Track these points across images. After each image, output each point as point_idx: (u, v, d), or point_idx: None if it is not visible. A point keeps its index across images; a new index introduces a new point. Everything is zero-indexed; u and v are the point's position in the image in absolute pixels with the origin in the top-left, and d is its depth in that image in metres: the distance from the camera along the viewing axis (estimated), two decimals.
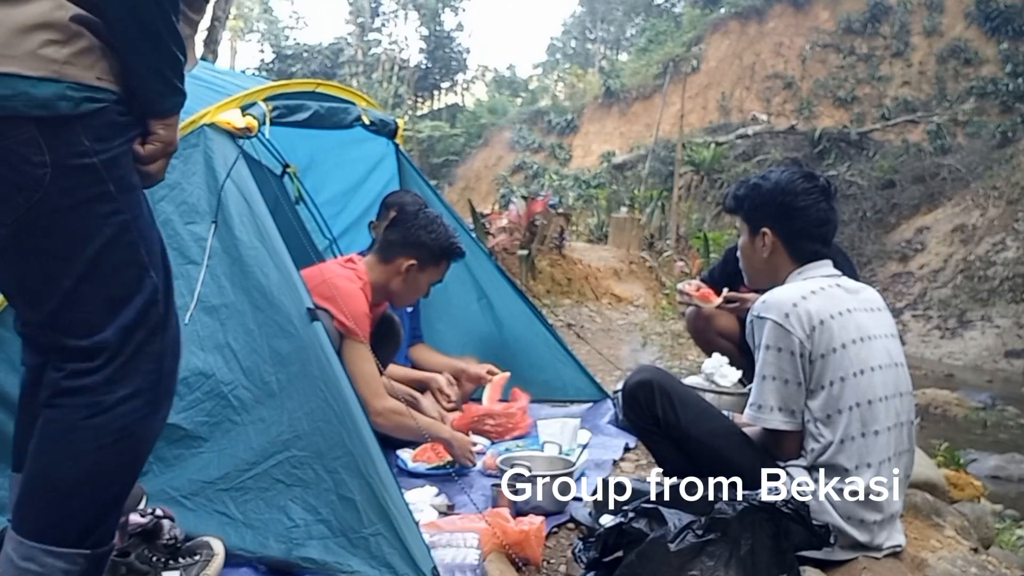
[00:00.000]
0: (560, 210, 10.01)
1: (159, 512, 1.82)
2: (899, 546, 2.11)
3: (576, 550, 2.00)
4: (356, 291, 2.68)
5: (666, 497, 1.83)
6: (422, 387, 3.22)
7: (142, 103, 1.28)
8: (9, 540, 1.28)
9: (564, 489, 2.43)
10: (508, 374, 3.37)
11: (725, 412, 2.29)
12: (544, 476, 2.38)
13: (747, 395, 2.22)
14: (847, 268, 2.38)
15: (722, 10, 27.12)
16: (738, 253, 2.33)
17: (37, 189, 1.17)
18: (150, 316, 1.30)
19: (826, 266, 2.17)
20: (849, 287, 2.15)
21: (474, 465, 2.74)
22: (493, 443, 3.04)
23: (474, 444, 3.03)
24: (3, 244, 1.24)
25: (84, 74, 1.17)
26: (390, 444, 2.72)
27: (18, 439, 1.48)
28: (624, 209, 12.41)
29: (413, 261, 2.82)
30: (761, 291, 2.23)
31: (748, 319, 2.11)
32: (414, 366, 3.48)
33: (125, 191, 1.26)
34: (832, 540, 1.88)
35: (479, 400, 3.35)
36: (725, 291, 3.30)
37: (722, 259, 3.83)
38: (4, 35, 1.12)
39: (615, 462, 2.94)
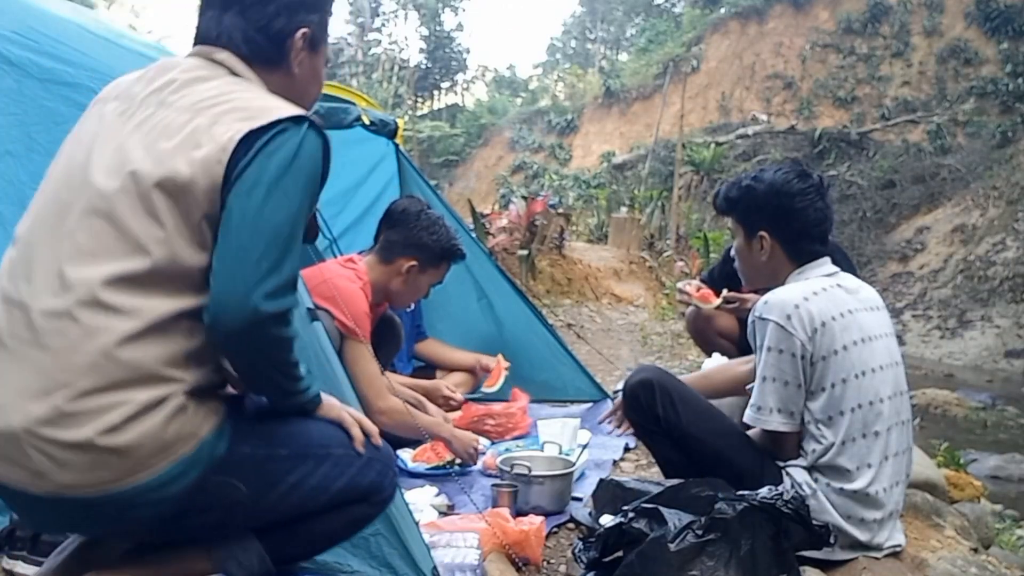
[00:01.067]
0: (560, 210, 10.01)
1: None
2: (899, 546, 2.11)
3: (576, 550, 2.00)
4: (356, 291, 2.68)
5: (666, 497, 1.83)
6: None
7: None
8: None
9: (564, 489, 2.43)
10: (508, 364, 3.39)
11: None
12: (544, 476, 2.38)
13: (747, 395, 2.22)
14: (846, 267, 2.37)
15: (722, 10, 27.11)
16: (733, 254, 2.31)
17: (244, 501, 1.37)
18: (359, 481, 1.49)
19: (825, 264, 2.16)
20: (849, 287, 2.14)
21: (475, 464, 2.74)
22: (493, 443, 3.04)
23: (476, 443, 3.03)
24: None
25: (209, 422, 1.34)
26: (390, 444, 2.71)
27: None
28: (624, 209, 12.40)
29: (414, 262, 2.82)
30: (761, 291, 2.23)
31: (749, 320, 2.10)
32: (425, 361, 3.49)
33: (285, 442, 1.44)
34: (832, 540, 1.88)
35: (481, 401, 3.35)
36: (725, 292, 3.30)
37: (722, 259, 3.82)
38: (151, 441, 1.27)
39: (615, 462, 2.94)
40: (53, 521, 1.35)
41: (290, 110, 1.32)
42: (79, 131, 1.41)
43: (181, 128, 1.29)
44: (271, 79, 1.43)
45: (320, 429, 1.47)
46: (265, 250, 1.25)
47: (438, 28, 33.66)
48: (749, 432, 2.14)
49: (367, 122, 3.20)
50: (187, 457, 1.29)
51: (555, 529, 2.33)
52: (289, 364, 1.35)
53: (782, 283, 2.16)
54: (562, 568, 2.12)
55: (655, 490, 1.92)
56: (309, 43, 1.47)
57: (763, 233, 2.15)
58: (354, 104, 3.19)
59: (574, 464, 2.55)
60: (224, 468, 1.33)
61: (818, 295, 2.05)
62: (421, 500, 2.32)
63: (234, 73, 1.39)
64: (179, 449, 1.28)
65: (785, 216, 2.13)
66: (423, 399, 3.00)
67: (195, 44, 1.44)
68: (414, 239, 2.82)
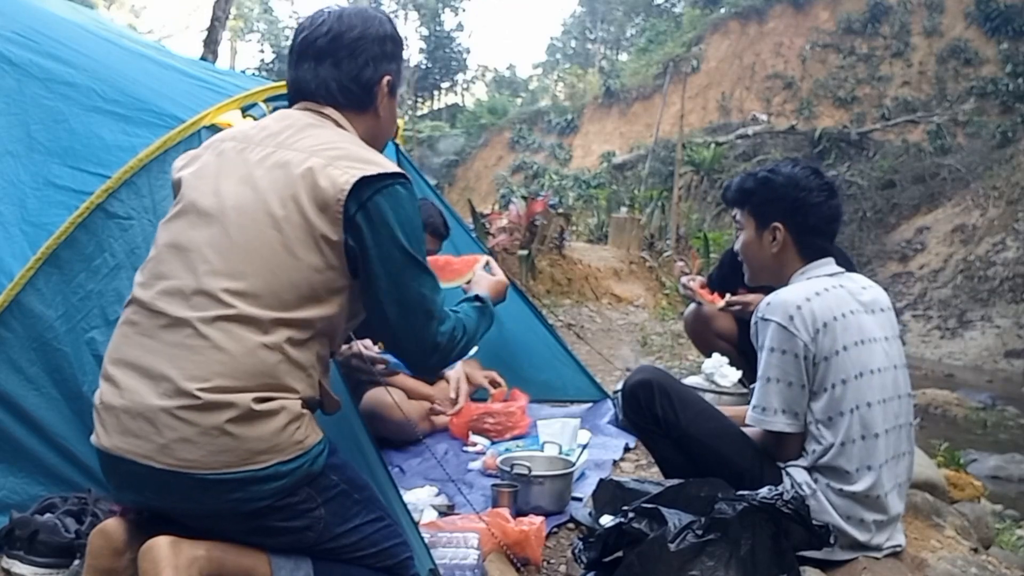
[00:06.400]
0: (560, 210, 10.00)
1: None
2: (899, 546, 2.11)
3: (576, 550, 2.00)
4: None
5: (666, 497, 1.83)
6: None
7: None
8: None
9: (564, 489, 2.43)
10: (505, 389, 3.32)
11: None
12: (544, 476, 2.38)
13: (747, 395, 2.21)
14: (847, 268, 2.37)
15: (722, 10, 27.09)
16: (737, 247, 2.29)
17: (319, 523, 1.52)
18: (398, 552, 1.64)
19: (829, 264, 2.16)
20: (853, 288, 2.13)
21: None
22: (493, 443, 3.04)
23: (474, 444, 3.04)
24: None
25: (315, 436, 1.50)
26: (388, 445, 2.73)
27: None
28: (624, 209, 12.37)
29: None
30: (761, 289, 2.22)
31: (752, 320, 2.10)
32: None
33: (361, 488, 1.62)
34: (832, 540, 1.88)
35: (481, 399, 3.34)
36: (728, 296, 3.30)
37: (718, 263, 3.82)
38: (270, 437, 1.42)
39: (615, 462, 2.94)
40: (159, 494, 1.45)
41: (391, 167, 1.54)
42: (199, 169, 1.58)
43: (300, 164, 1.50)
44: (361, 121, 1.66)
45: (383, 498, 1.73)
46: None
47: (438, 28, 33.64)
48: (749, 432, 2.14)
49: None
50: (293, 459, 1.45)
51: (555, 529, 2.33)
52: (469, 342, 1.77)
53: (786, 282, 2.16)
54: (562, 568, 2.12)
55: (655, 490, 1.92)
56: (390, 88, 1.70)
57: (777, 225, 2.15)
58: None
59: (574, 464, 2.55)
60: (314, 484, 1.50)
61: (820, 295, 2.05)
62: (421, 500, 2.32)
63: (339, 125, 1.62)
64: (289, 451, 1.44)
65: (802, 209, 2.13)
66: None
67: (292, 95, 1.68)
68: None
